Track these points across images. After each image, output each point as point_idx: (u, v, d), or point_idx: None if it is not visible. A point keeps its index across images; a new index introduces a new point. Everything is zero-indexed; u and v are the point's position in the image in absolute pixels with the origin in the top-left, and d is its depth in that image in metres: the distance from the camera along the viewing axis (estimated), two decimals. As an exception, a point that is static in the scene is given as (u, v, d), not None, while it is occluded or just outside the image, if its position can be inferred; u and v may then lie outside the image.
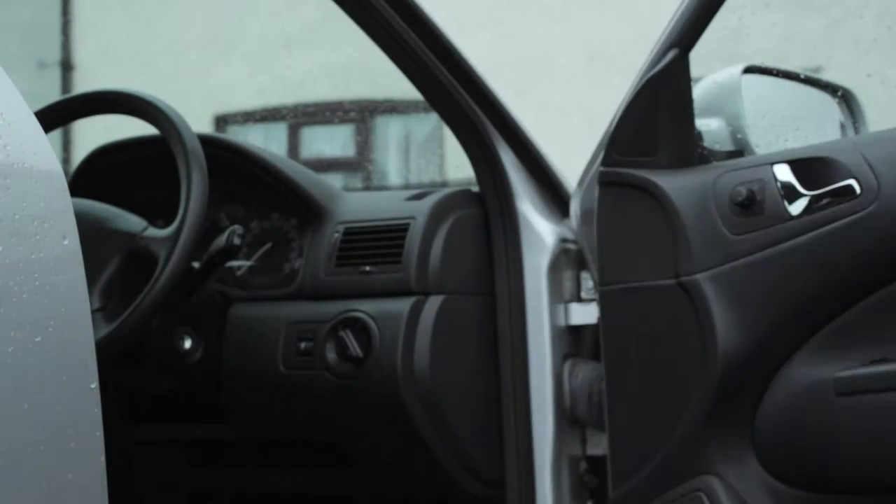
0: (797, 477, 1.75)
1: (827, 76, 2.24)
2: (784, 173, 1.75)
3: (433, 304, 2.02)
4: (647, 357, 1.88)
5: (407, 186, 7.81)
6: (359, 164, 8.34)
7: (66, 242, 1.03)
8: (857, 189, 1.68)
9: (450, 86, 2.02)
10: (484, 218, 2.12)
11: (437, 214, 2.07)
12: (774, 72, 2.08)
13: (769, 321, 1.75)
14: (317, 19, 7.92)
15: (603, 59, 7.91)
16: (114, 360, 1.90)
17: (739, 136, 1.94)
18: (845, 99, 2.15)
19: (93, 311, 1.37)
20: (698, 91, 1.96)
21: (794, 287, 1.74)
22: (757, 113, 1.98)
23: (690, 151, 1.88)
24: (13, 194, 0.99)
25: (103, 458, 1.04)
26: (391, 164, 8.48)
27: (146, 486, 2.39)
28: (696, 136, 1.90)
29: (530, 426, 2.06)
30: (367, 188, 7.70)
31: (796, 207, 1.73)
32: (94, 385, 1.03)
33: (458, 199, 2.12)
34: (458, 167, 2.45)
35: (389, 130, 8.34)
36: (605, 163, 1.92)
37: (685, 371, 1.80)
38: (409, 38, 1.95)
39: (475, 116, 2.07)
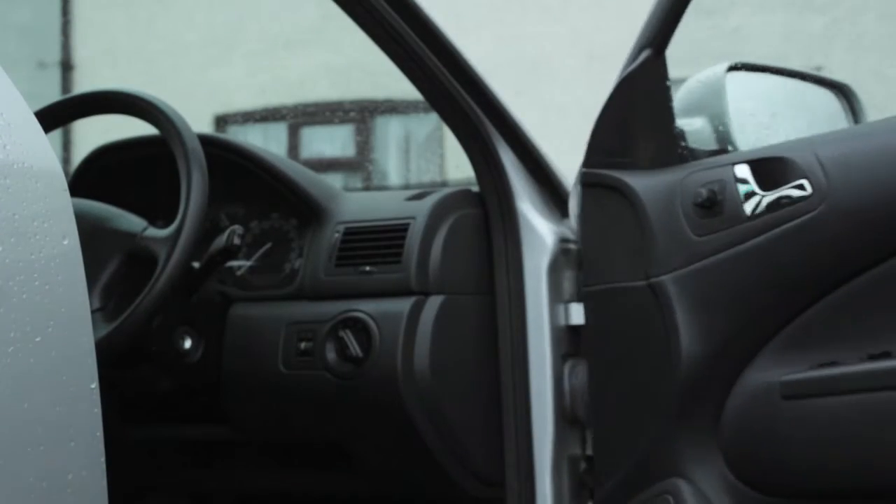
0: (757, 481, 1.75)
1: (827, 75, 2.23)
2: (743, 173, 1.74)
3: (433, 304, 2.02)
4: (623, 358, 1.89)
5: (407, 186, 7.80)
6: (359, 164, 8.34)
7: (66, 242, 1.03)
8: (809, 189, 1.67)
9: (450, 86, 2.02)
10: (484, 218, 2.12)
11: (437, 214, 2.07)
12: (760, 68, 2.07)
13: (729, 324, 1.74)
14: (317, 19, 7.93)
15: (602, 58, 7.91)
16: (114, 360, 1.90)
17: (722, 135, 1.93)
18: (844, 94, 2.14)
19: (93, 311, 1.37)
20: (683, 90, 1.96)
21: (752, 289, 1.72)
22: (745, 111, 1.97)
23: (669, 151, 1.88)
24: (13, 194, 0.99)
25: (103, 458, 1.04)
26: (391, 164, 8.48)
27: (146, 486, 2.39)
28: (675, 136, 1.89)
29: (530, 426, 2.05)
30: (367, 188, 7.70)
31: (753, 208, 1.73)
32: (94, 385, 1.03)
33: (458, 199, 2.12)
34: (458, 167, 2.44)
35: (389, 130, 8.34)
36: (585, 164, 1.93)
37: (656, 373, 1.81)
38: (409, 38, 1.95)
39: (475, 116, 2.07)
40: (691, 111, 1.94)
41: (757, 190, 1.73)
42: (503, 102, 2.08)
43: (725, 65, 1.97)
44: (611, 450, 1.90)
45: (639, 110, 1.87)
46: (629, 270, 1.84)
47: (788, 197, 1.69)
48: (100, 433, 1.03)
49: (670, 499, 1.78)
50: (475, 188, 2.15)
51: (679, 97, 1.91)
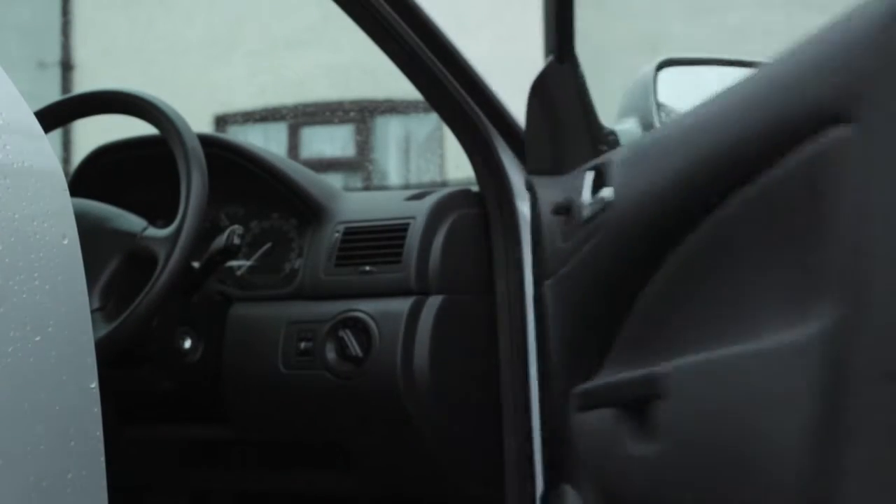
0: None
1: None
2: (588, 179, 1.73)
3: (433, 303, 2.03)
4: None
5: (407, 186, 7.81)
6: (359, 164, 8.34)
7: (65, 242, 1.03)
8: (610, 194, 1.63)
9: (450, 86, 2.02)
10: (484, 218, 2.12)
11: (437, 214, 2.07)
12: (692, 62, 2.04)
13: (576, 333, 1.73)
14: (317, 19, 7.92)
15: (602, 58, 7.91)
16: (114, 360, 1.90)
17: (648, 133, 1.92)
18: None
19: (93, 311, 1.37)
20: (623, 93, 1.96)
21: (589, 298, 1.70)
22: (683, 106, 1.95)
23: (590, 155, 1.87)
24: (13, 194, 0.99)
25: (103, 458, 1.04)
26: (391, 164, 8.48)
27: (146, 486, 2.39)
28: (595, 139, 1.88)
29: (530, 426, 2.06)
30: (367, 188, 7.70)
31: (584, 213, 1.71)
32: (94, 385, 1.03)
33: (458, 199, 2.13)
34: (458, 167, 2.45)
35: (389, 130, 8.34)
36: (526, 168, 1.94)
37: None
38: (409, 38, 1.95)
39: (475, 116, 2.07)
40: (627, 112, 1.94)
41: (587, 196, 1.71)
42: (503, 102, 2.08)
43: (655, 62, 1.95)
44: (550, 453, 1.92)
45: (553, 116, 1.87)
46: (544, 275, 1.85)
47: (598, 202, 1.66)
48: (100, 433, 1.03)
49: None
50: (475, 188, 2.15)
51: (619, 99, 1.92)
